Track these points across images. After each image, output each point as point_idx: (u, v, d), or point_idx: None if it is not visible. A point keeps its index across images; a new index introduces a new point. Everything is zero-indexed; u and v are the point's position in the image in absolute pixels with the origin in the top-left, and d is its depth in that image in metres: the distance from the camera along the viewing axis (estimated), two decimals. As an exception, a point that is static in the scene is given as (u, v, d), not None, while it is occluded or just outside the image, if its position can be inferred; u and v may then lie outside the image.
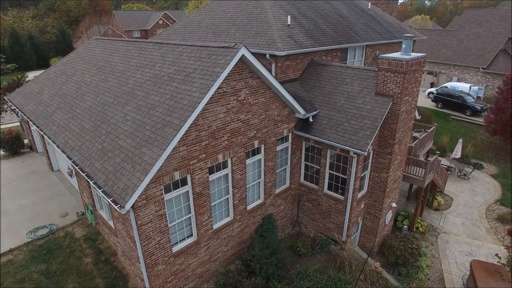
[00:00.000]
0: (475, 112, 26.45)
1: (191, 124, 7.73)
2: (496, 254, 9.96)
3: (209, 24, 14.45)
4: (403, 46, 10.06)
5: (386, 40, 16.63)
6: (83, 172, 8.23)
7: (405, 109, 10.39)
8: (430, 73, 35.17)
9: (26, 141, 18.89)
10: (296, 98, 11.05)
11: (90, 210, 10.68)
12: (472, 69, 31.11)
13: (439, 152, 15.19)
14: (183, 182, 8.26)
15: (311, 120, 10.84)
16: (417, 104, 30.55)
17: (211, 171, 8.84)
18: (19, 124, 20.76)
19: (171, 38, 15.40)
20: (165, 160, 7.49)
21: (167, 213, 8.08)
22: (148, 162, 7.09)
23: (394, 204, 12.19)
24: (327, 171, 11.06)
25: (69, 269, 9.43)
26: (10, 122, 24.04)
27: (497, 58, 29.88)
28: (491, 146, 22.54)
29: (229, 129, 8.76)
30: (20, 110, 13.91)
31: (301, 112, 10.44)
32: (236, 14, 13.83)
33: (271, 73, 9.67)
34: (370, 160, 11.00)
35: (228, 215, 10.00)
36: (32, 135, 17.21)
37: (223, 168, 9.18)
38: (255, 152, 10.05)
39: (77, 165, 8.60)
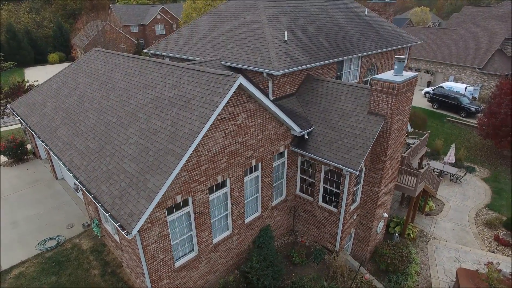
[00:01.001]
0: (470, 114, 26.90)
1: (192, 151, 8.17)
2: (489, 263, 10.45)
3: (208, 36, 14.72)
4: (396, 67, 10.43)
5: (382, 49, 16.95)
6: (90, 194, 8.71)
7: (397, 127, 10.84)
8: (427, 72, 35.44)
9: (29, 146, 19.31)
10: (292, 115, 11.49)
11: (96, 224, 11.21)
12: (468, 69, 31.41)
13: (430, 158, 15.68)
14: (185, 203, 8.76)
15: (306, 137, 11.29)
16: (413, 104, 30.83)
17: (210, 191, 9.34)
18: (22, 129, 21.10)
19: (170, 49, 15.67)
20: (168, 186, 7.96)
21: (170, 233, 8.60)
22: (152, 190, 7.57)
23: (385, 215, 12.76)
24: (322, 185, 11.57)
25: (78, 281, 10.02)
26: (12, 124, 24.35)
27: (493, 59, 30.15)
28: (483, 149, 23.08)
29: (228, 151, 9.22)
30: (24, 122, 14.29)
31: (296, 130, 10.88)
32: (234, 26, 14.09)
33: (267, 95, 10.06)
34: (362, 175, 11.51)
35: (227, 229, 10.55)
36: (35, 142, 17.62)
37: (222, 187, 9.68)
38: (253, 169, 10.53)
39: (84, 186, 9.08)
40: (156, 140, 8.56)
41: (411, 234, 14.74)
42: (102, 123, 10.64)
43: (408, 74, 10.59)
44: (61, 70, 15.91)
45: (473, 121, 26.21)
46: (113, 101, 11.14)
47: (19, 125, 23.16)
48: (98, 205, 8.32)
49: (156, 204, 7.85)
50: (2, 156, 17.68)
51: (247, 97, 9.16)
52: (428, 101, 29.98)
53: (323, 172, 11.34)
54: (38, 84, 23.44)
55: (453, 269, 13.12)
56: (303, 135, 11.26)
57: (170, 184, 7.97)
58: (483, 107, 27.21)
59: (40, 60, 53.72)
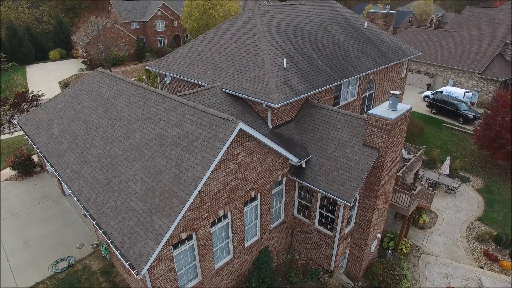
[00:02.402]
0: (467, 120, 27.25)
1: (195, 194, 8.72)
2: None
3: (209, 58, 15.05)
4: (390, 102, 10.85)
5: (381, 66, 17.26)
6: (100, 228, 9.32)
7: (390, 158, 11.34)
8: (427, 74, 35.55)
9: (35, 158, 19.88)
10: (290, 144, 11.99)
11: (105, 247, 11.88)
12: (468, 73, 31.55)
13: (427, 167, 16.19)
14: (189, 238, 9.37)
15: (304, 165, 11.81)
16: (413, 109, 31.06)
17: (213, 224, 9.94)
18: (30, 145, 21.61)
19: (172, 68, 16.01)
20: (174, 228, 8.55)
21: (176, 265, 9.25)
22: (159, 232, 8.17)
23: (378, 235, 13.39)
24: (318, 210, 12.17)
25: (89, 304, 10.76)
26: (15, 131, 24.78)
27: (492, 64, 30.26)
28: (479, 158, 23.56)
29: (229, 188, 9.78)
30: (32, 141, 14.80)
31: (294, 160, 11.39)
32: (234, 50, 14.41)
33: (267, 123, 10.52)
34: (357, 201, 12.08)
35: (229, 254, 11.21)
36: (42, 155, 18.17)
37: (223, 219, 10.28)
38: (252, 200, 11.11)
39: (94, 220, 9.68)
40: (161, 180, 9.10)
41: (404, 249, 15.42)
42: (108, 154, 11.17)
43: (402, 108, 11.02)
44: (66, 89, 16.32)
45: (470, 128, 26.59)
46: (118, 131, 11.63)
47: (19, 133, 23.48)
48: (108, 241, 8.94)
49: (163, 245, 8.45)
50: (10, 170, 18.29)
51: (247, 137, 9.65)
52: (427, 106, 30.26)
53: (319, 198, 11.91)
54: (42, 94, 23.86)
55: (442, 285, 13.84)
56: (301, 164, 11.78)
57: (176, 225, 8.55)
58: (480, 113, 27.54)
59: (41, 57, 53.71)
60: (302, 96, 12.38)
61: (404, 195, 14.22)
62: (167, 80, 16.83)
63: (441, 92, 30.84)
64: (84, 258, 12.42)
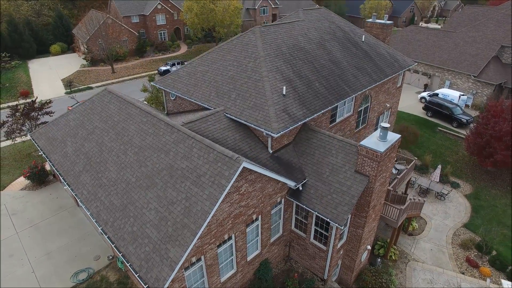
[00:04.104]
0: (461, 124, 28.18)
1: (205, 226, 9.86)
2: None
3: (212, 80, 15.87)
4: (380, 133, 11.83)
5: (376, 82, 18.08)
6: (119, 252, 10.53)
7: (380, 183, 12.43)
8: (425, 74, 36.14)
9: (47, 167, 20.96)
10: (288, 167, 13.06)
11: (120, 261, 13.16)
12: (464, 75, 32.19)
13: (420, 172, 17.30)
14: (198, 260, 10.60)
15: (301, 188, 12.92)
16: (409, 110, 31.87)
17: (218, 246, 11.14)
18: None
19: (177, 87, 16.83)
20: (186, 255, 9.74)
21: (186, 283, 10.51)
22: (173, 260, 9.36)
23: (369, 247, 14.68)
24: (313, 227, 13.37)
25: (109, 313, 12.12)
26: (21, 135, 25.72)
27: (488, 67, 30.86)
28: (470, 163, 24.66)
29: (233, 215, 10.92)
30: (47, 158, 15.81)
31: (292, 184, 12.48)
32: (236, 74, 15.22)
33: (267, 148, 11.55)
34: (348, 220, 13.26)
35: (233, 268, 12.49)
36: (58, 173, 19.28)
37: (228, 241, 11.48)
38: (254, 221, 12.28)
39: (113, 243, 10.87)
40: (173, 211, 10.22)
41: (393, 256, 16.77)
42: (122, 179, 12.25)
43: (391, 139, 12.00)
44: (76, 107, 17.21)
45: (463, 132, 27.56)
46: (130, 158, 12.67)
47: (28, 137, 24.37)
48: (127, 264, 10.15)
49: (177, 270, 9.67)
50: (25, 179, 19.43)
51: (249, 171, 10.70)
52: (423, 108, 31.10)
53: (314, 217, 13.09)
54: (50, 100, 24.70)
55: (426, 291, 15.25)
56: (298, 187, 12.88)
57: (188, 253, 9.74)
58: (473, 117, 28.44)
59: (42, 51, 53.86)
60: (300, 123, 13.33)
61: (394, 208, 15.41)
62: (172, 97, 17.70)
63: (437, 94, 31.59)
64: (101, 270, 13.73)
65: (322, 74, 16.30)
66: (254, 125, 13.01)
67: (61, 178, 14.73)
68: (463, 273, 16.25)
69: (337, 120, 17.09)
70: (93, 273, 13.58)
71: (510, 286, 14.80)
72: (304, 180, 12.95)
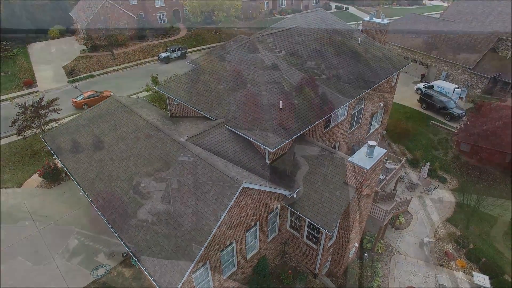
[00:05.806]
0: (454, 118, 29.16)
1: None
2: None
3: (213, 89, 16.76)
4: (367, 150, 13.01)
5: (371, 87, 18.94)
6: (135, 257, 12.08)
7: (366, 193, 13.78)
8: (422, 64, 36.52)
9: (59, 164, 22.23)
10: (284, 177, 14.36)
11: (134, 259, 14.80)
12: (460, 67, 32.66)
13: (411, 166, 18.68)
14: (204, 264, 12.17)
15: (295, 196, 14.29)
16: (404, 101, 32.61)
17: (221, 251, 12.69)
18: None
19: (179, 95, 17.74)
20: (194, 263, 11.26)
21: (194, 283, 12.16)
22: (183, 268, 10.90)
23: (356, 245, 16.32)
24: (306, 229, 14.91)
25: (127, 304, 13.94)
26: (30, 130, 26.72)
27: (484, 59, 31.28)
28: (458, 157, 25.92)
29: (234, 225, 12.36)
30: (62, 163, 17.09)
31: (287, 194, 13.84)
32: (237, 85, 16.10)
33: (264, 158, 12.81)
34: (338, 223, 14.76)
35: (234, 266, 14.16)
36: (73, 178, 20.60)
37: (229, 245, 13.02)
38: (252, 227, 13.76)
39: (129, 248, 12.42)
40: (181, 224, 11.65)
41: (379, 250, 18.50)
42: (135, 190, 13.58)
43: (377, 154, 13.18)
44: (84, 112, 18.24)
45: (455, 126, 28.59)
46: (140, 169, 13.92)
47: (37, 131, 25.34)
48: (143, 268, 11.74)
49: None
50: (38, 177, 20.82)
51: (248, 188, 12.00)
52: (418, 100, 31.90)
53: (307, 221, 14.57)
54: (57, 98, 25.56)
55: (407, 282, 17.07)
56: (292, 196, 14.25)
57: (195, 261, 11.28)
58: (466, 110, 29.36)
59: (41, 32, 53.20)
60: (295, 136, 14.46)
61: (380, 209, 16.89)
62: (176, 102, 18.65)
63: (432, 86, 32.26)
64: (117, 266, 15.44)
65: (318, 83, 17.15)
66: (252, 139, 14.14)
67: (76, 183, 16.07)
68: (441, 265, 18.04)
69: (331, 125, 18.16)
70: (110, 268, 15.31)
71: (480, 278, 16.60)
72: (298, 188, 14.29)
